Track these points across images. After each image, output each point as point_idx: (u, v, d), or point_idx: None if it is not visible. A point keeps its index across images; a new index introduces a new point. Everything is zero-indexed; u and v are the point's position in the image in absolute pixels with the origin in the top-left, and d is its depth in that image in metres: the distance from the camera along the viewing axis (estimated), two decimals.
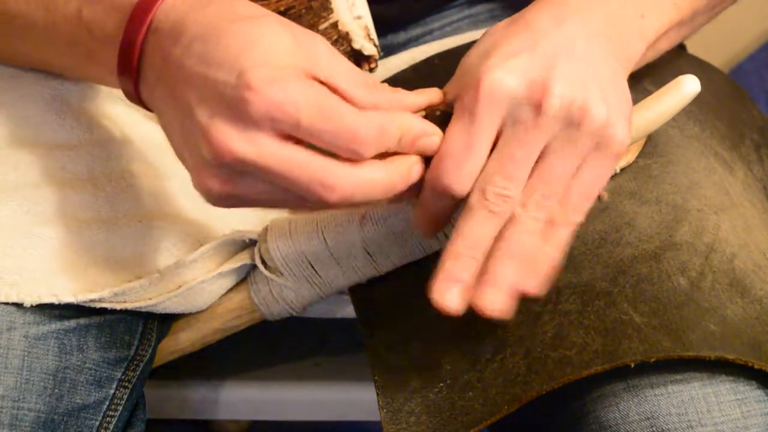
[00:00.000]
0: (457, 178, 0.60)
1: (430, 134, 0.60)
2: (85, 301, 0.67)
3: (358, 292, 0.74)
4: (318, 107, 0.55)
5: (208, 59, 0.56)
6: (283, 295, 0.72)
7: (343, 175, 0.57)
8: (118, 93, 0.72)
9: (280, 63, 0.55)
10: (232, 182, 0.57)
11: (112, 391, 0.70)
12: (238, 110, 0.55)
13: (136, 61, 0.60)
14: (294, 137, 0.56)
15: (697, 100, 0.70)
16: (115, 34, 0.61)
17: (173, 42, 0.58)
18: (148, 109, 0.62)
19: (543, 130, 0.60)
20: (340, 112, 0.56)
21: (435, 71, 0.79)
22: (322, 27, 0.73)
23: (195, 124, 0.56)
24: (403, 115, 0.59)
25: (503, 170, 0.60)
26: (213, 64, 0.56)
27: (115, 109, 0.72)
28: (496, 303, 0.60)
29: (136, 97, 0.62)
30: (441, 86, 0.64)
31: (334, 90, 0.57)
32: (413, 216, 0.64)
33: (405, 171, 0.59)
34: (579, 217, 0.62)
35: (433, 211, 0.62)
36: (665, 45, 0.71)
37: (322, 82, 0.56)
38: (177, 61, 0.57)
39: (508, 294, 0.60)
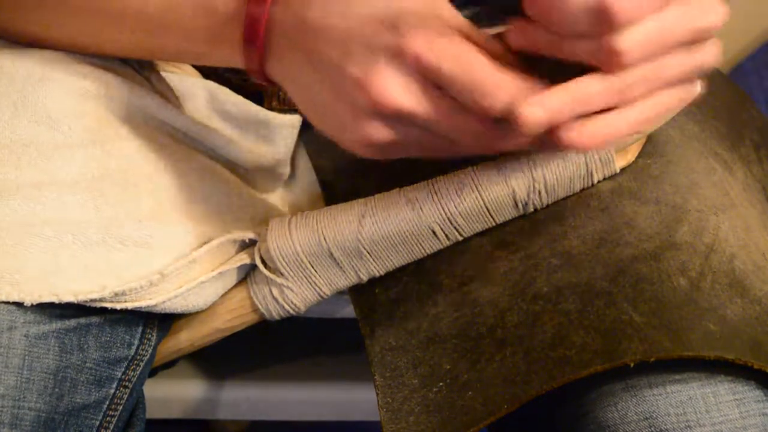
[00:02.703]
0: (630, 11, 0.57)
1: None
2: (86, 301, 0.67)
3: (358, 292, 0.74)
4: (458, 57, 0.57)
5: (349, 15, 0.58)
6: (283, 295, 0.73)
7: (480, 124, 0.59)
8: (119, 93, 0.72)
9: (422, 11, 0.57)
10: (391, 129, 0.59)
11: (112, 391, 0.70)
12: (392, 59, 0.57)
13: (263, 33, 0.61)
14: (433, 82, 0.58)
15: (697, 101, 0.70)
16: (239, 11, 0.62)
17: (307, 6, 0.60)
18: (271, 83, 0.64)
19: (692, 33, 0.60)
20: (478, 65, 0.57)
21: None
22: None
23: (347, 78, 0.58)
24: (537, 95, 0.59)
25: (649, 39, 0.59)
26: (356, 17, 0.58)
27: (116, 109, 0.72)
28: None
29: (260, 71, 0.63)
30: None
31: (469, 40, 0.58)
32: None
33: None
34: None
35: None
36: None
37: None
38: (317, 22, 0.59)
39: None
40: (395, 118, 0.59)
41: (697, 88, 0.63)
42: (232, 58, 0.64)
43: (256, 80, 0.65)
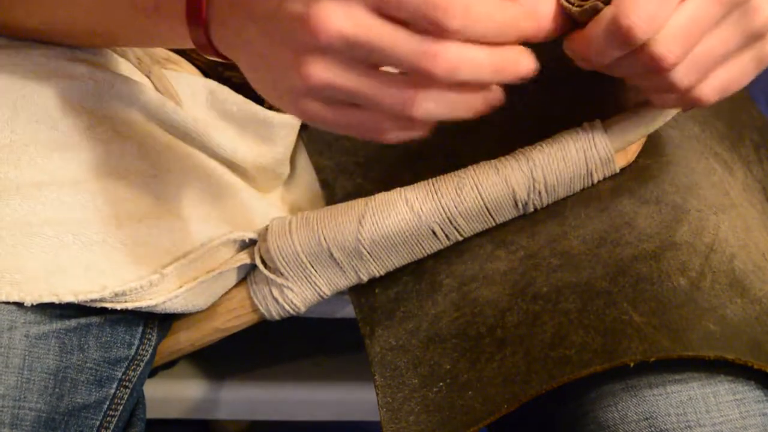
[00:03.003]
0: (645, 22, 0.58)
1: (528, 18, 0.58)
2: (86, 301, 0.67)
3: (358, 292, 0.74)
4: None
5: None
6: (283, 295, 0.73)
7: (447, 45, 0.55)
8: (119, 92, 0.72)
9: None
10: (333, 70, 0.56)
11: (112, 391, 0.70)
12: None
13: (205, 2, 0.60)
14: (382, 12, 0.55)
15: None
16: None
17: None
18: (223, 59, 0.62)
19: (725, 5, 0.60)
20: None
21: None
22: None
23: (288, 18, 0.55)
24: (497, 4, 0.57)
25: (683, 31, 0.59)
26: None
27: (116, 108, 0.72)
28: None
29: (207, 44, 0.62)
30: None
31: None
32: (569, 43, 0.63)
33: (513, 57, 0.57)
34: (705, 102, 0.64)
35: (596, 53, 0.61)
36: None
37: None
38: None
39: None
40: (340, 51, 0.55)
41: None
42: (180, 33, 0.62)
43: (206, 55, 0.63)
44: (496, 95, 0.58)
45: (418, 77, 0.56)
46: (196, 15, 0.61)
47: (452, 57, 0.55)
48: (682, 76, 0.61)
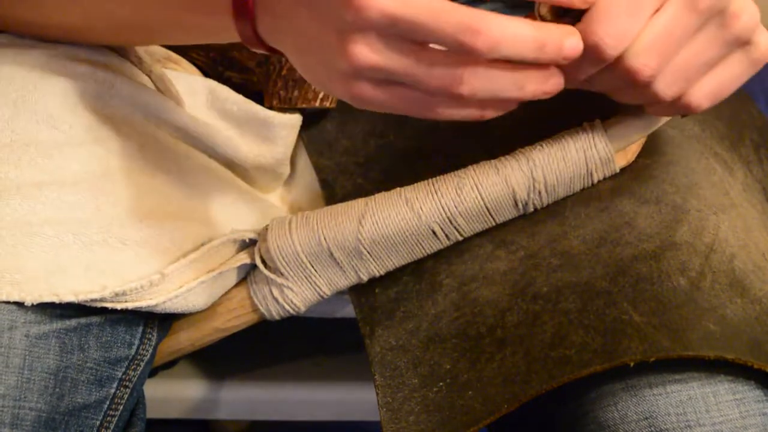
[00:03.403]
0: (613, 39, 0.58)
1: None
2: (86, 301, 0.67)
3: (358, 292, 0.74)
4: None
5: None
6: (283, 295, 0.73)
7: (490, 20, 0.55)
8: (120, 91, 0.72)
9: None
10: (378, 49, 0.56)
11: (112, 391, 0.70)
12: None
13: None
14: None
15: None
16: None
17: None
18: (268, 51, 0.62)
19: (700, 15, 0.60)
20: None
21: None
22: None
23: (332, 3, 0.55)
24: None
25: (658, 43, 0.59)
26: None
27: (117, 108, 0.72)
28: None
29: (254, 36, 0.61)
30: None
31: None
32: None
33: (557, 35, 0.57)
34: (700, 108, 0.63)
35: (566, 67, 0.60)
36: None
37: None
38: None
39: None
40: (383, 28, 0.55)
41: (759, 48, 0.63)
42: (222, 26, 0.62)
43: (252, 49, 0.63)
44: (553, 80, 0.58)
45: (463, 55, 0.56)
46: (243, 7, 0.60)
47: (494, 32, 0.55)
48: (664, 87, 0.61)
